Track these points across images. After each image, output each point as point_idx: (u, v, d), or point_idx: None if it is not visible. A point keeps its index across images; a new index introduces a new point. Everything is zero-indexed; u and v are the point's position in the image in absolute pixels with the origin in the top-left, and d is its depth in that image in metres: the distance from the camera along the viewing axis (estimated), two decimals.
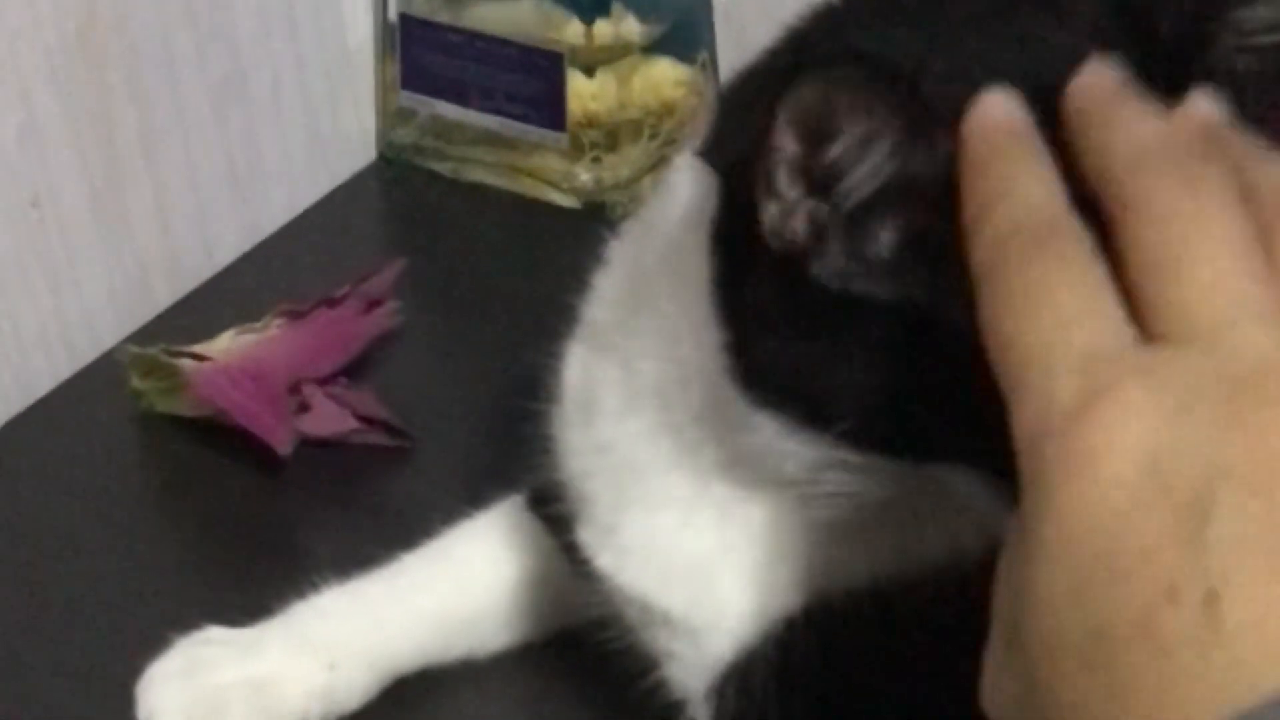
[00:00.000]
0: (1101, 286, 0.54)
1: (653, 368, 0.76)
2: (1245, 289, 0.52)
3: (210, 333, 1.12)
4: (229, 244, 1.28)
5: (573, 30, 1.29)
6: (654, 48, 1.31)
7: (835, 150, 0.62)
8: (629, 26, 1.30)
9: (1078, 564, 0.51)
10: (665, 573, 0.78)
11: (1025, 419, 0.53)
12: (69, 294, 1.17)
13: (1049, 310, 0.54)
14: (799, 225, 0.64)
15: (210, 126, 1.24)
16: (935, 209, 0.61)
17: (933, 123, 0.60)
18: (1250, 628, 0.48)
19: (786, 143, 0.63)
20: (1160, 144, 0.56)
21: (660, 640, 0.80)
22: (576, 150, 1.31)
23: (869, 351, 0.64)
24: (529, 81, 1.30)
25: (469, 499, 0.95)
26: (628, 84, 1.31)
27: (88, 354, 1.17)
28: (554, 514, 0.85)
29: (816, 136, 0.62)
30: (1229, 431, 0.50)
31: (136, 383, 1.11)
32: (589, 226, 0.85)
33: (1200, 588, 0.48)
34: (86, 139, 1.15)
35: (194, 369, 1.09)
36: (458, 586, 0.92)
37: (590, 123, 1.31)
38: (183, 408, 1.09)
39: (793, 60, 0.67)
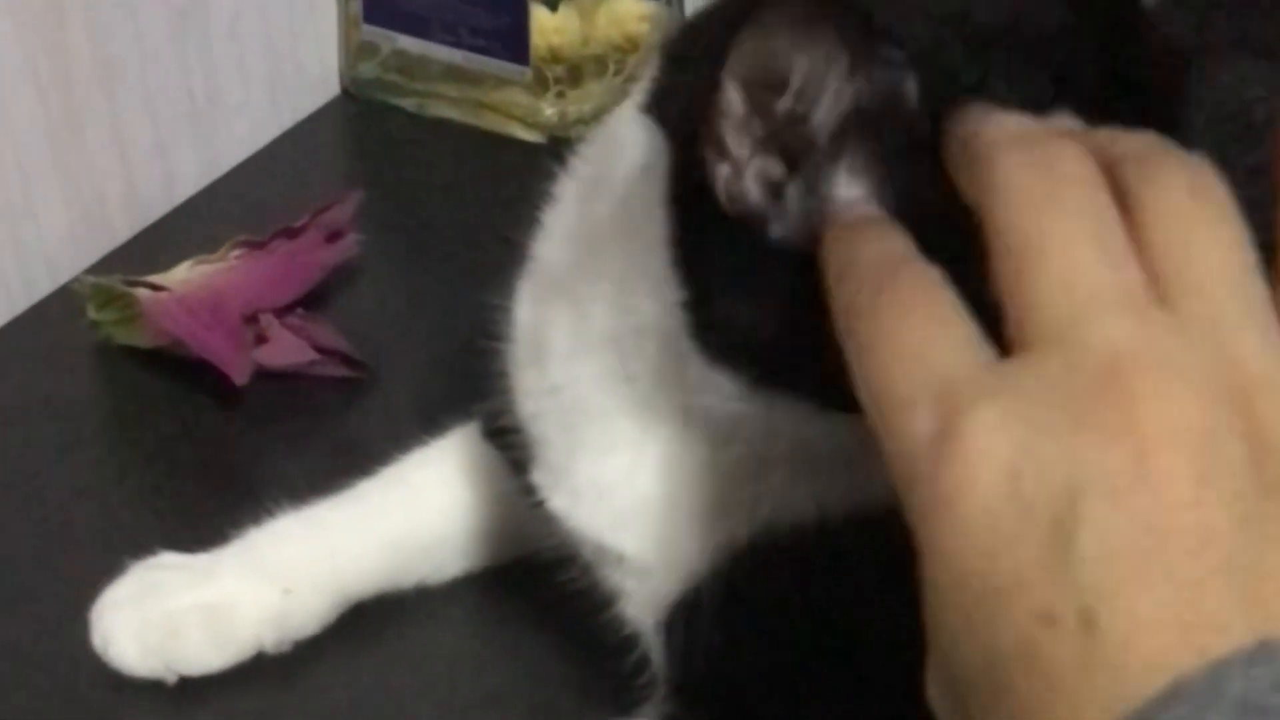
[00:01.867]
0: (951, 314, 0.53)
1: (604, 314, 0.75)
2: (1100, 278, 0.51)
3: (168, 265, 1.12)
4: (189, 178, 1.27)
5: None
6: None
7: (787, 101, 0.61)
8: None
9: (963, 603, 0.51)
10: (616, 514, 0.79)
11: (894, 467, 0.53)
12: (26, 226, 1.16)
13: (897, 349, 0.53)
14: (753, 186, 0.63)
15: (169, 59, 1.24)
16: (893, 150, 0.61)
17: (883, 42, 0.60)
18: (1128, 639, 0.47)
19: (733, 98, 0.62)
20: (1020, 133, 0.55)
21: (614, 578, 0.81)
22: (540, 85, 1.32)
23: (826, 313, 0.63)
24: (492, 16, 1.31)
25: (425, 429, 0.96)
26: (592, 19, 1.31)
27: (45, 286, 1.17)
28: (509, 453, 0.85)
29: (765, 91, 0.61)
30: (1081, 438, 0.49)
31: (94, 314, 1.11)
32: (553, 162, 0.84)
33: (1074, 609, 0.48)
34: (43, 71, 1.15)
35: (151, 299, 1.09)
36: (413, 512, 0.93)
37: (554, 57, 1.31)
38: (140, 338, 1.09)
39: (729, 15, 0.65)
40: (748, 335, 0.67)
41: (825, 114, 0.61)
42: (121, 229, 1.22)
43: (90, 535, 0.98)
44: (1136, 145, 0.55)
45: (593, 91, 1.31)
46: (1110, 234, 0.52)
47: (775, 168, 0.63)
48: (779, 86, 0.61)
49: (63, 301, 1.15)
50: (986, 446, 0.50)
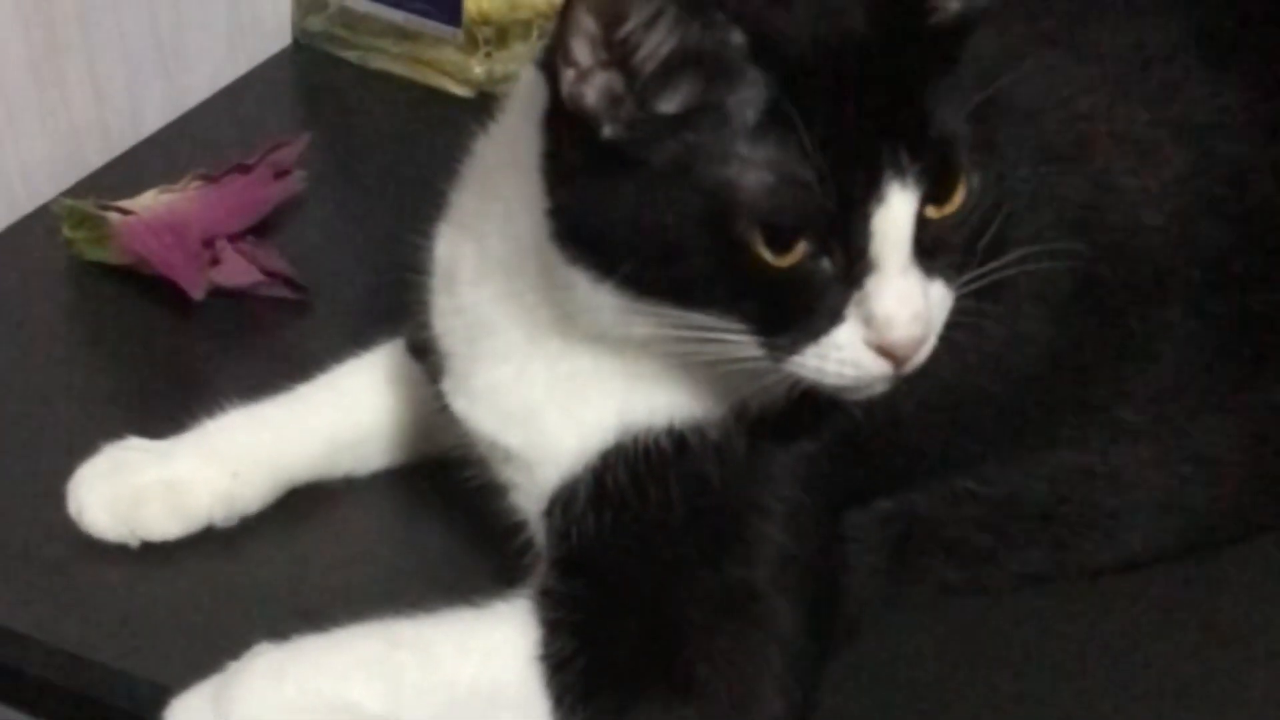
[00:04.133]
0: None
1: (498, 244, 0.89)
2: None
3: (135, 192, 1.24)
4: (155, 114, 1.39)
5: None
6: None
7: (627, 28, 0.77)
8: None
9: None
10: (506, 415, 0.92)
11: None
12: (8, 151, 1.28)
13: None
14: (592, 91, 0.79)
15: (142, 7, 1.35)
16: (709, 79, 0.76)
17: (706, 4, 0.76)
18: None
19: (585, 21, 0.77)
20: None
21: (504, 472, 0.94)
22: (471, 45, 1.44)
23: (642, 205, 0.78)
24: None
25: (357, 344, 1.08)
26: None
27: (25, 205, 1.29)
28: (426, 365, 0.98)
29: (611, 18, 0.77)
30: None
31: (68, 232, 1.23)
32: (479, 115, 0.95)
33: None
34: (28, 11, 1.26)
35: (120, 221, 1.21)
36: (344, 412, 1.05)
37: (484, 20, 1.43)
38: (109, 255, 1.21)
39: None
40: (585, 229, 0.81)
41: (653, 47, 0.77)
42: (94, 158, 1.34)
43: (66, 422, 1.10)
44: None
45: (518, 53, 1.43)
46: None
47: (618, 83, 0.79)
48: (620, 20, 0.77)
49: (41, 220, 1.27)
50: None
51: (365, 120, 1.44)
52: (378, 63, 1.48)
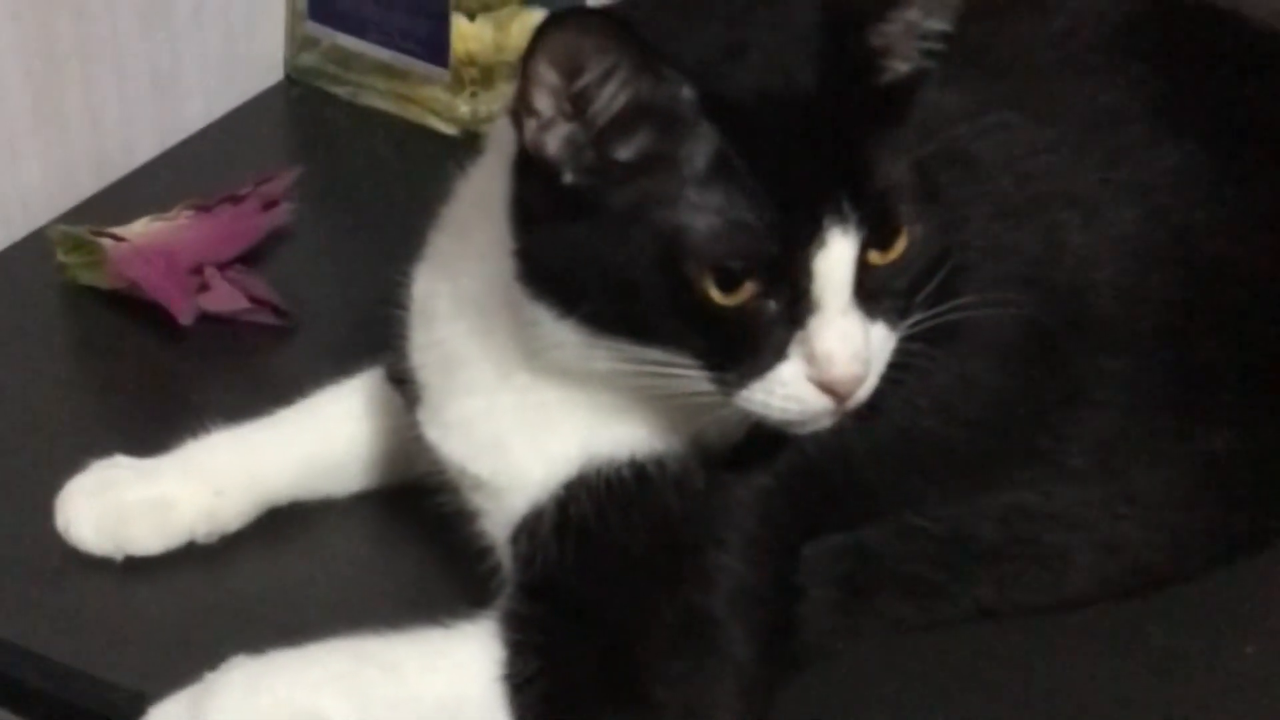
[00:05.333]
0: None
1: (471, 282, 0.93)
2: None
3: (128, 219, 1.26)
4: (149, 144, 1.42)
5: None
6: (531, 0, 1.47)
7: (583, 81, 0.81)
8: None
9: None
10: (476, 445, 0.95)
11: None
12: (6, 177, 1.31)
13: None
14: (554, 140, 0.83)
15: (139, 42, 1.39)
16: (662, 130, 0.80)
17: (658, 61, 0.80)
18: None
19: (546, 74, 0.82)
20: None
21: (474, 500, 0.97)
22: (458, 85, 1.47)
23: (601, 247, 0.83)
24: (419, 22, 1.46)
25: (338, 371, 1.11)
26: (506, 30, 1.46)
27: (21, 230, 1.32)
28: (403, 394, 1.01)
29: (570, 71, 0.81)
30: None
31: (63, 256, 1.26)
32: (464, 153, 0.99)
33: None
34: (30, 44, 1.30)
35: (113, 247, 1.24)
36: (324, 436, 1.09)
37: (470, 61, 1.46)
38: (101, 280, 1.24)
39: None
40: (547, 269, 0.85)
41: (608, 99, 0.82)
42: (88, 185, 1.37)
43: (54, 440, 1.13)
44: None
45: (503, 93, 1.44)
46: None
47: (578, 133, 0.83)
48: (578, 73, 0.81)
49: (36, 245, 1.30)
50: None
51: (354, 155, 1.47)
52: (367, 99, 1.52)
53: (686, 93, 0.82)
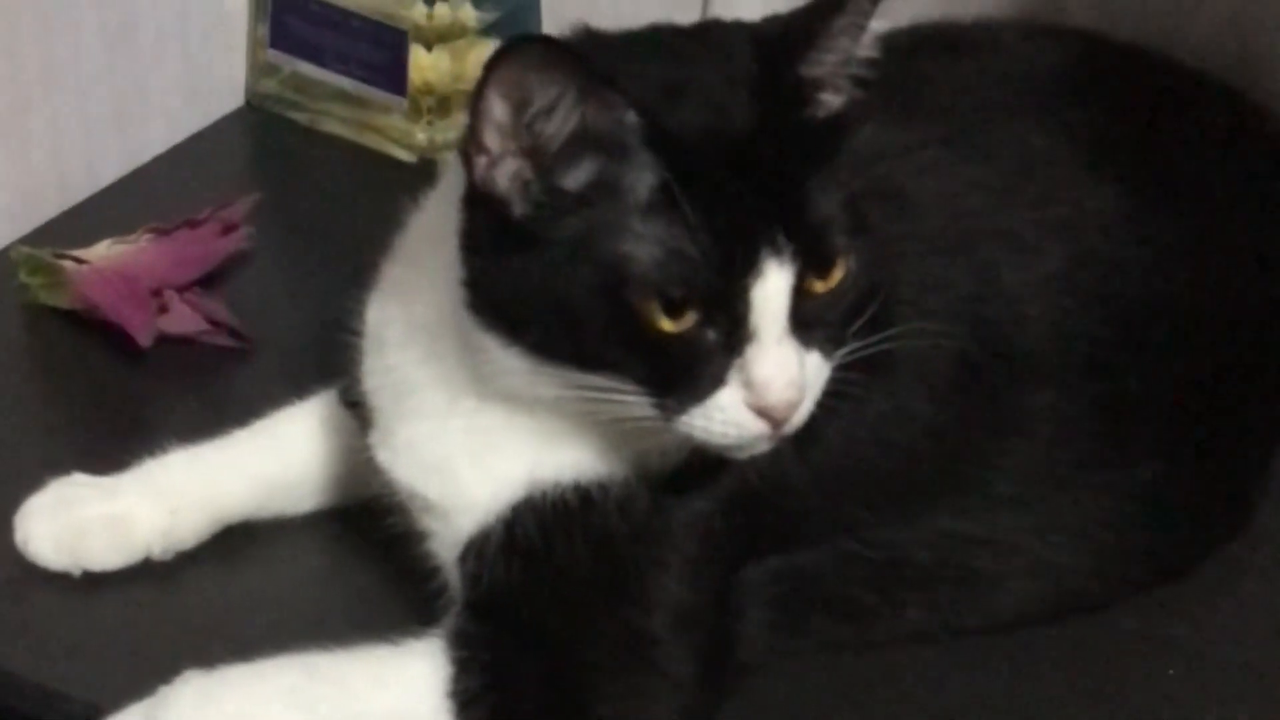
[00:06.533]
0: None
1: (423, 310, 0.95)
2: None
3: (89, 241, 1.28)
4: (110, 168, 1.43)
5: (418, 11, 1.48)
6: (487, 30, 1.50)
7: (532, 110, 0.84)
8: (466, 11, 1.49)
9: None
10: (425, 468, 0.97)
11: None
12: None
13: None
14: (503, 176, 0.86)
15: (102, 67, 1.40)
16: (608, 157, 0.83)
17: (603, 85, 0.83)
18: None
19: (496, 107, 0.84)
20: None
21: (423, 521, 0.99)
22: (415, 113, 1.49)
23: (547, 278, 0.86)
24: (377, 51, 1.49)
25: (293, 393, 1.13)
26: (462, 60, 1.49)
27: None
28: (357, 417, 1.03)
29: (519, 102, 0.84)
30: None
31: (24, 278, 1.27)
32: (419, 180, 1.01)
33: None
34: None
35: (74, 269, 1.26)
36: (279, 456, 1.10)
37: (427, 90, 1.49)
38: (62, 301, 1.26)
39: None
40: (495, 299, 0.87)
41: (557, 126, 0.85)
42: (50, 208, 1.39)
43: (15, 457, 1.15)
44: None
45: (458, 121, 1.47)
46: None
47: (527, 171, 0.86)
48: (527, 103, 0.84)
49: None
50: None
51: (312, 180, 1.49)
52: (326, 126, 1.54)
53: (631, 118, 0.84)
